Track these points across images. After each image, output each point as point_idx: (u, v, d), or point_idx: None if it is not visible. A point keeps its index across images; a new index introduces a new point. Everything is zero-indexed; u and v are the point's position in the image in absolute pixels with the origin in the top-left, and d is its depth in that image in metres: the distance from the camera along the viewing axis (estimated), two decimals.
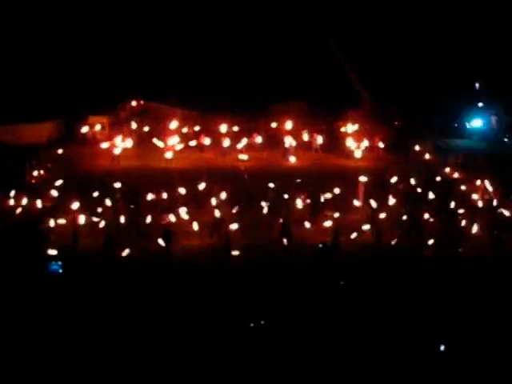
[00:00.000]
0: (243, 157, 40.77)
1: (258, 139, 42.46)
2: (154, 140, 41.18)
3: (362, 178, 36.89)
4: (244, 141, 41.96)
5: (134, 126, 43.11)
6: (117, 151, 40.23)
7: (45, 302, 26.51)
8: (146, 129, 42.93)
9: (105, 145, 41.01)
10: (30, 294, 26.86)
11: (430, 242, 33.37)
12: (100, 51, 46.07)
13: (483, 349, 25.79)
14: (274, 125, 43.45)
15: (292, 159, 41.18)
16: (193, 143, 42.23)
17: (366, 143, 42.50)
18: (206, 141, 42.12)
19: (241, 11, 48.33)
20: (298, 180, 36.62)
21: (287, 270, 30.57)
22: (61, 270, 28.54)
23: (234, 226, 33.29)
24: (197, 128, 43.05)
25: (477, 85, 47.50)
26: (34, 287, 27.24)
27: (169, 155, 40.38)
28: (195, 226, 33.52)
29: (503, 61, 47.32)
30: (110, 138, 41.55)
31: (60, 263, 28.64)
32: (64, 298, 26.85)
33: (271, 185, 35.93)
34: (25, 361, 23.99)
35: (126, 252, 31.43)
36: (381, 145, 42.68)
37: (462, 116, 45.98)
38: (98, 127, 42.67)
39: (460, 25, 48.69)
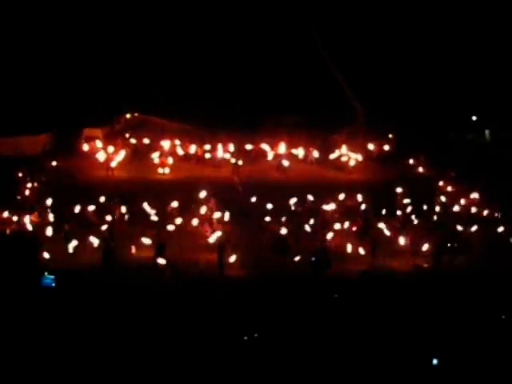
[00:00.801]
0: (237, 167, 40.83)
1: (253, 151, 42.78)
2: (152, 156, 41.30)
3: (357, 191, 37.03)
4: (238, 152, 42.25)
5: (128, 138, 43.26)
6: (111, 163, 40.34)
7: (37, 316, 26.45)
8: (141, 141, 43.05)
9: (99, 157, 41.07)
10: (22, 307, 26.80)
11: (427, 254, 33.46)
12: (95, 64, 46.11)
13: (476, 362, 25.75)
14: (269, 138, 43.59)
15: (286, 170, 41.28)
16: (188, 156, 42.42)
17: (360, 157, 42.67)
18: (193, 150, 42.31)
19: (240, 26, 48.44)
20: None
21: (281, 283, 30.52)
22: (54, 284, 28.45)
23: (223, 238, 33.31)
24: (191, 140, 43.15)
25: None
26: (27, 301, 27.17)
27: (166, 171, 40.52)
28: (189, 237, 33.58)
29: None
30: (104, 151, 41.64)
31: (53, 277, 28.56)
32: (57, 311, 26.79)
33: (269, 206, 35.88)
34: (19, 374, 23.93)
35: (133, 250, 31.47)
36: (375, 158, 42.88)
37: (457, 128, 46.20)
38: (95, 141, 42.77)
39: (453, 36, 48.91)
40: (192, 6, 49.12)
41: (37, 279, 28.29)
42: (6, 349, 24.77)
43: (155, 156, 41.52)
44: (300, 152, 42.97)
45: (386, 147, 44.13)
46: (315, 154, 42.93)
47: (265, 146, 43.14)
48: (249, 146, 42.99)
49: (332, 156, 42.69)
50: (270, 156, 42.74)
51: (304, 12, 50.29)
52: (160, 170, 40.64)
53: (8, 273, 28.31)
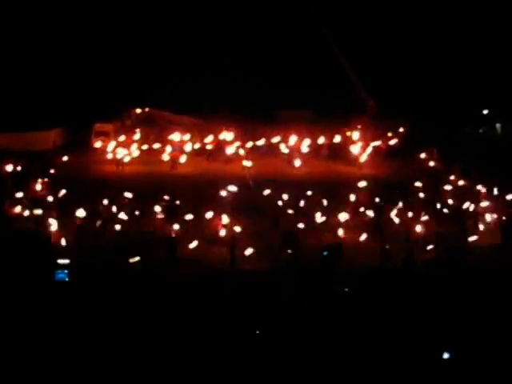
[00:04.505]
0: (247, 163, 40.80)
1: (264, 146, 42.78)
2: (163, 151, 41.23)
3: (365, 185, 37.03)
4: (248, 146, 42.24)
5: (138, 133, 43.31)
6: (123, 159, 40.39)
7: (51, 310, 26.59)
8: (151, 136, 43.08)
9: (110, 152, 41.16)
10: (36, 301, 26.94)
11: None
12: (105, 59, 46.21)
13: (487, 356, 25.70)
14: (279, 132, 43.57)
15: (297, 164, 41.26)
16: (198, 150, 42.46)
17: (370, 150, 42.61)
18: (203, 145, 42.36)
19: (248, 19, 48.42)
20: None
21: (291, 278, 30.55)
22: (67, 278, 28.59)
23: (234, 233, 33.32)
24: (202, 135, 43.16)
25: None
26: (41, 295, 27.31)
27: (177, 164, 40.59)
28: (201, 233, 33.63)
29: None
30: (115, 146, 41.71)
31: (66, 271, 28.68)
32: (70, 305, 26.92)
33: (280, 200, 35.85)
34: (31, 367, 24.06)
35: (135, 259, 31.48)
36: (386, 152, 42.84)
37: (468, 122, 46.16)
38: (106, 136, 42.84)
39: (465, 30, 48.79)
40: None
41: (50, 274, 28.44)
42: (20, 342, 24.91)
43: (166, 151, 41.55)
44: (311, 146, 42.93)
45: (396, 141, 44.07)
46: (325, 146, 42.96)
47: (276, 141, 43.15)
48: (260, 141, 42.98)
49: (352, 151, 42.58)
50: (281, 151, 42.73)
51: (315, 6, 50.28)
52: (171, 165, 40.66)
53: (22, 267, 28.48)
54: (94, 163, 40.67)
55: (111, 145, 41.76)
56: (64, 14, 47.94)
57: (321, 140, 43.14)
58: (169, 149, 41.45)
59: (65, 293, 27.91)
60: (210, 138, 42.85)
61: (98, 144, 42.42)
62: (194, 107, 44.56)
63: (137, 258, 31.35)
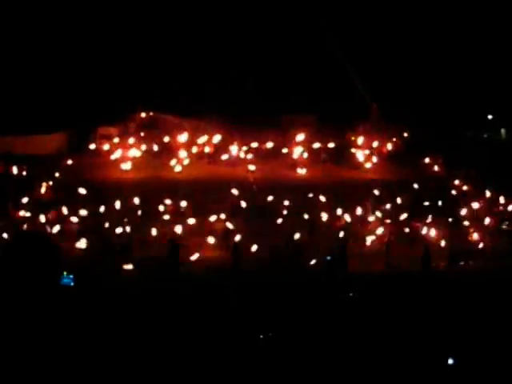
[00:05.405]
0: (252, 167, 40.81)
1: (267, 149, 42.81)
2: (171, 163, 41.16)
3: (371, 191, 37.03)
4: (252, 150, 42.25)
5: (143, 137, 43.28)
6: (125, 162, 40.38)
7: (56, 316, 26.53)
8: (155, 140, 43.07)
9: (113, 156, 41.16)
10: (41, 307, 26.87)
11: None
12: (109, 62, 46.15)
13: (493, 362, 25.64)
14: (282, 136, 43.58)
15: (301, 171, 41.26)
16: (201, 154, 42.45)
17: (374, 155, 42.58)
18: (206, 149, 42.35)
19: (252, 23, 48.39)
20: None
21: (294, 283, 30.54)
22: (72, 283, 28.58)
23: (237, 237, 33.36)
24: (205, 139, 43.15)
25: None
26: (46, 300, 27.24)
27: (177, 168, 40.57)
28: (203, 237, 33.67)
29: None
30: (119, 149, 41.70)
31: (72, 276, 28.67)
32: (76, 311, 26.86)
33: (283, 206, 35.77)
34: (34, 371, 24.00)
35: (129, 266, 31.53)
36: (389, 157, 42.83)
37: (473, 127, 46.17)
38: (110, 140, 42.83)
39: (469, 34, 48.75)
40: (209, 3, 49.13)
41: (55, 278, 28.39)
42: (24, 348, 24.87)
43: (173, 159, 41.52)
44: (313, 151, 42.92)
45: (400, 145, 44.06)
46: (328, 151, 42.94)
47: (278, 145, 43.13)
48: (263, 145, 42.99)
49: (356, 156, 42.54)
50: (284, 155, 42.72)
51: (316, 9, 50.25)
52: (175, 168, 40.64)
53: (26, 272, 28.40)
54: (99, 166, 40.63)
55: (115, 150, 41.66)
56: (68, 17, 47.87)
57: (323, 144, 43.10)
58: (176, 155, 41.36)
59: (70, 298, 27.92)
60: (211, 142, 42.84)
61: (102, 147, 42.42)
62: (197, 111, 44.52)
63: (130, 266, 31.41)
